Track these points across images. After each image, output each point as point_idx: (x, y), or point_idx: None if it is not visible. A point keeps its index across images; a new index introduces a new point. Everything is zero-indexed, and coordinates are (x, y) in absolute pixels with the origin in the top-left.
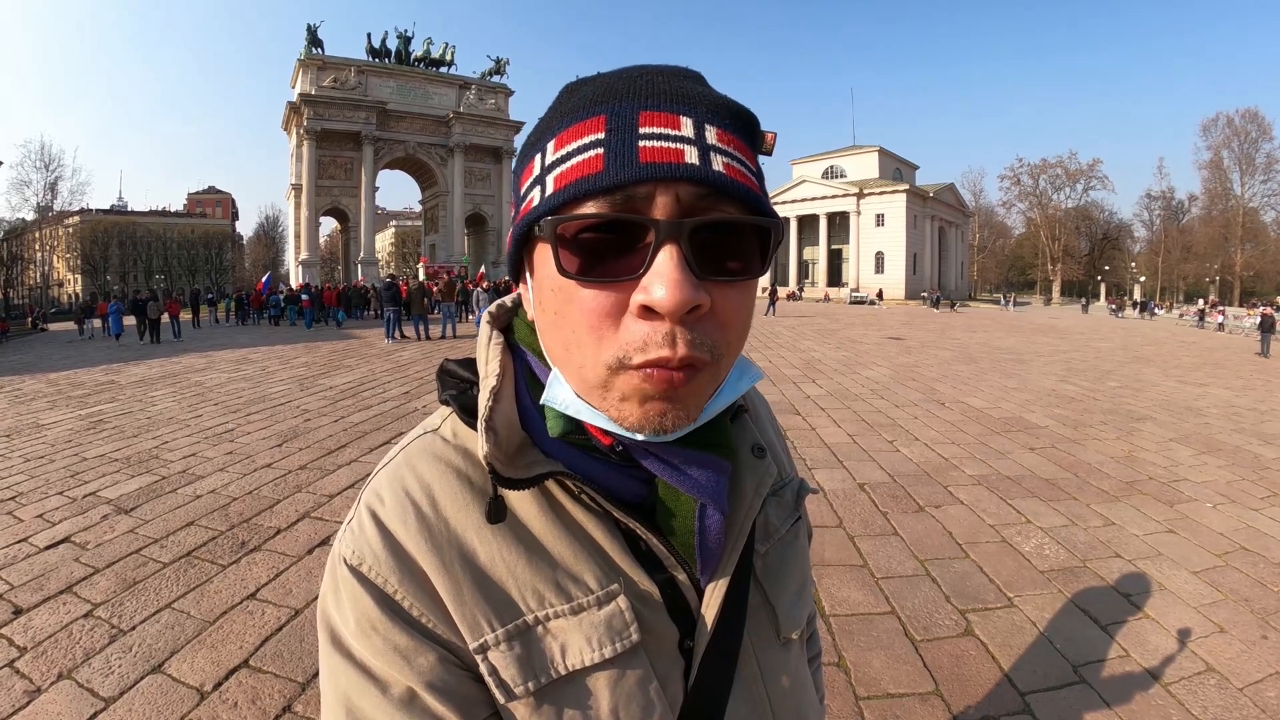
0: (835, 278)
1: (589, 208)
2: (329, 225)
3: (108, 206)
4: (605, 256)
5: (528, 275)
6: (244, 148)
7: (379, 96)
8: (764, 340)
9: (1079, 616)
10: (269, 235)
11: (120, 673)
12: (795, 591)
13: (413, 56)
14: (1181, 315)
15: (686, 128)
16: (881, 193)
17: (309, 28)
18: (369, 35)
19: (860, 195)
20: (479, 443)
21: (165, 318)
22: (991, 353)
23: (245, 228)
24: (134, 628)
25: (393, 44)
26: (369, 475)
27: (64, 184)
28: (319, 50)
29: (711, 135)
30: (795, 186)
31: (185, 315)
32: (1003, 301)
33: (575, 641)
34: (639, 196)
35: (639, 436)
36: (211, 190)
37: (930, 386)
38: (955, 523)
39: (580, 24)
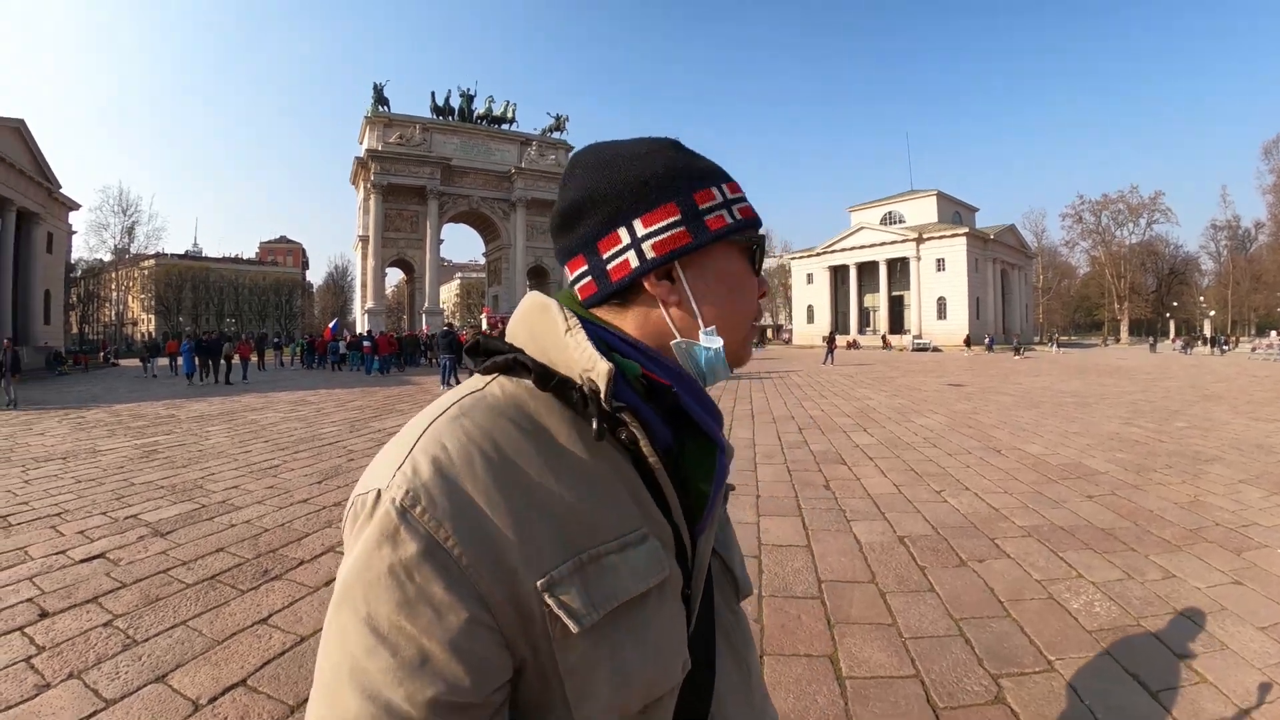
0: (897, 324)
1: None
2: (396, 275)
3: (183, 251)
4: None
5: (677, 264)
6: (315, 199)
7: (443, 152)
8: (819, 389)
9: (1127, 682)
10: (338, 284)
11: (125, 679)
12: (741, 561)
13: (475, 114)
14: (1254, 349)
15: (738, 190)
16: (941, 237)
17: (375, 87)
18: (433, 94)
19: (919, 240)
20: (599, 375)
21: (236, 359)
22: (1054, 397)
23: (315, 276)
24: (147, 639)
25: (456, 102)
26: (402, 436)
27: (140, 228)
28: (385, 108)
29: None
30: (854, 234)
31: (254, 358)
32: (1053, 346)
33: (625, 573)
34: (755, 235)
35: (729, 371)
36: (283, 239)
37: (987, 433)
38: (998, 578)
39: (634, 82)
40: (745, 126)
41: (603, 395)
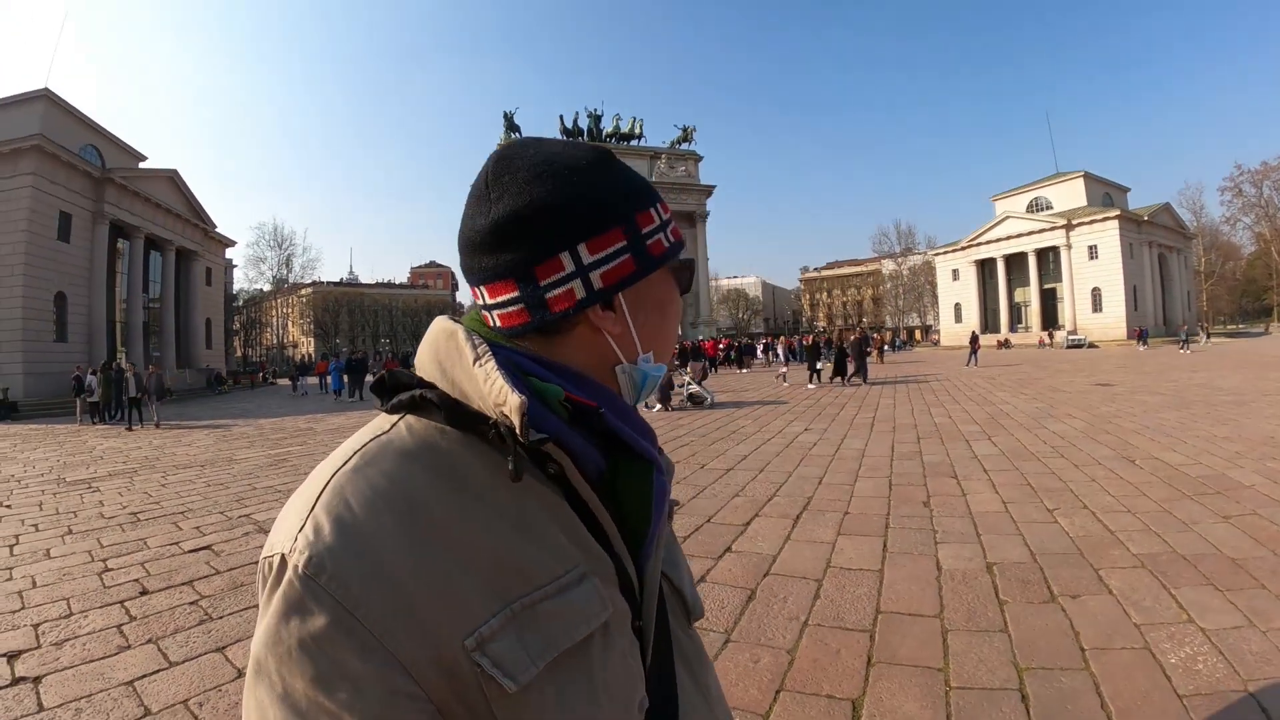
0: (1050, 319)
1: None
2: None
3: (338, 279)
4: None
5: (620, 293)
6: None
7: None
8: (954, 393)
9: None
10: None
11: (190, 647)
12: (690, 580)
13: (604, 133)
14: None
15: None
16: (1091, 221)
17: (506, 115)
18: (561, 117)
19: (1069, 227)
20: (511, 408)
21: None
22: (1209, 395)
23: (464, 297)
24: (221, 617)
25: (584, 123)
26: (304, 488)
27: (296, 259)
28: (517, 134)
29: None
30: (999, 224)
31: None
32: (1182, 339)
33: (565, 617)
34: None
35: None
36: (432, 264)
37: (1124, 440)
38: (1089, 619)
39: (768, 78)
40: (885, 127)
41: (517, 430)
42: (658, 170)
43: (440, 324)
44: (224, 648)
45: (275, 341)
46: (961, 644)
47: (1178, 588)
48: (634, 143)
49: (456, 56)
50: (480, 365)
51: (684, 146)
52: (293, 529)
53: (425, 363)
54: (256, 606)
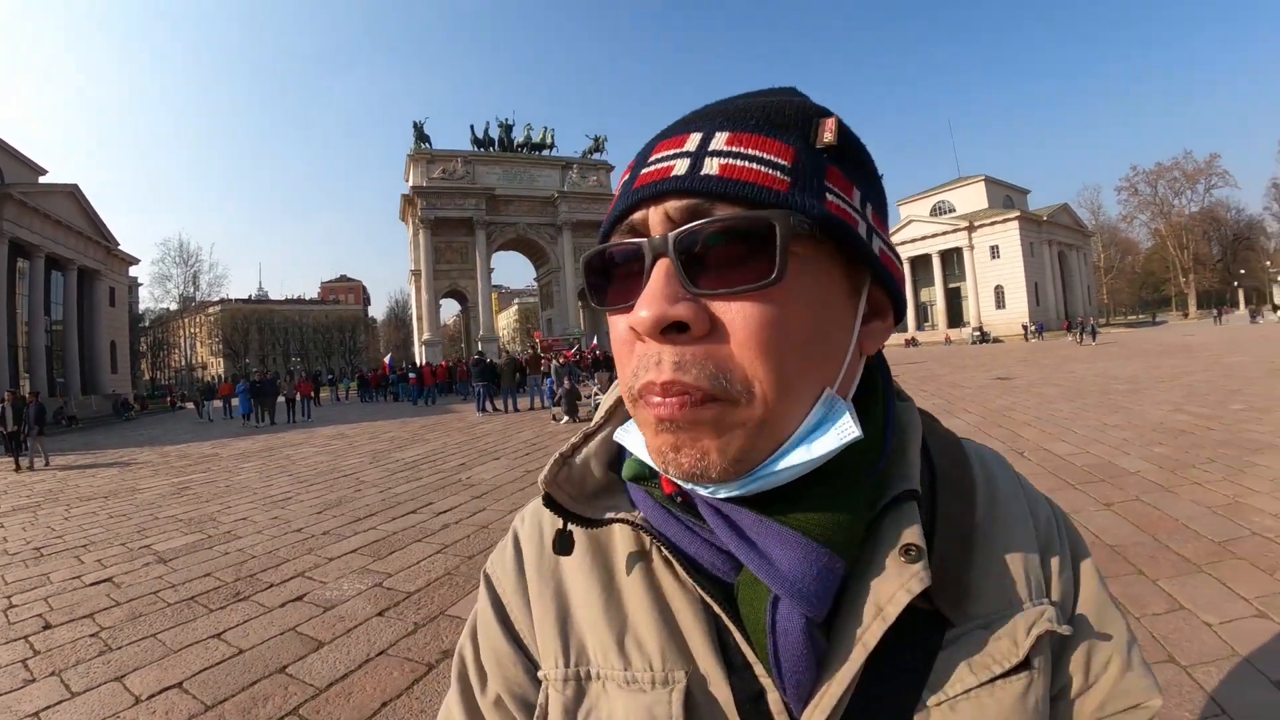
0: (956, 318)
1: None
2: (454, 306)
3: (247, 296)
4: (626, 287)
5: None
6: (374, 237)
7: (486, 183)
8: None
9: None
10: (399, 317)
11: (91, 677)
12: None
13: (515, 143)
14: None
15: (690, 142)
16: (992, 223)
17: (416, 125)
18: (472, 127)
19: (971, 228)
20: (548, 471)
21: (297, 396)
22: (1106, 384)
23: (377, 311)
24: (120, 648)
25: (495, 133)
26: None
27: (203, 277)
28: (427, 145)
29: (719, 140)
30: (904, 227)
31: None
32: (1076, 332)
33: (615, 710)
34: (638, 223)
35: (678, 480)
36: (343, 278)
37: (1015, 433)
38: None
39: (667, 87)
40: None
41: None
42: (569, 180)
43: None
44: (122, 676)
45: (183, 363)
46: None
47: None
48: (545, 153)
49: (364, 66)
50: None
51: (595, 157)
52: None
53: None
54: (153, 636)
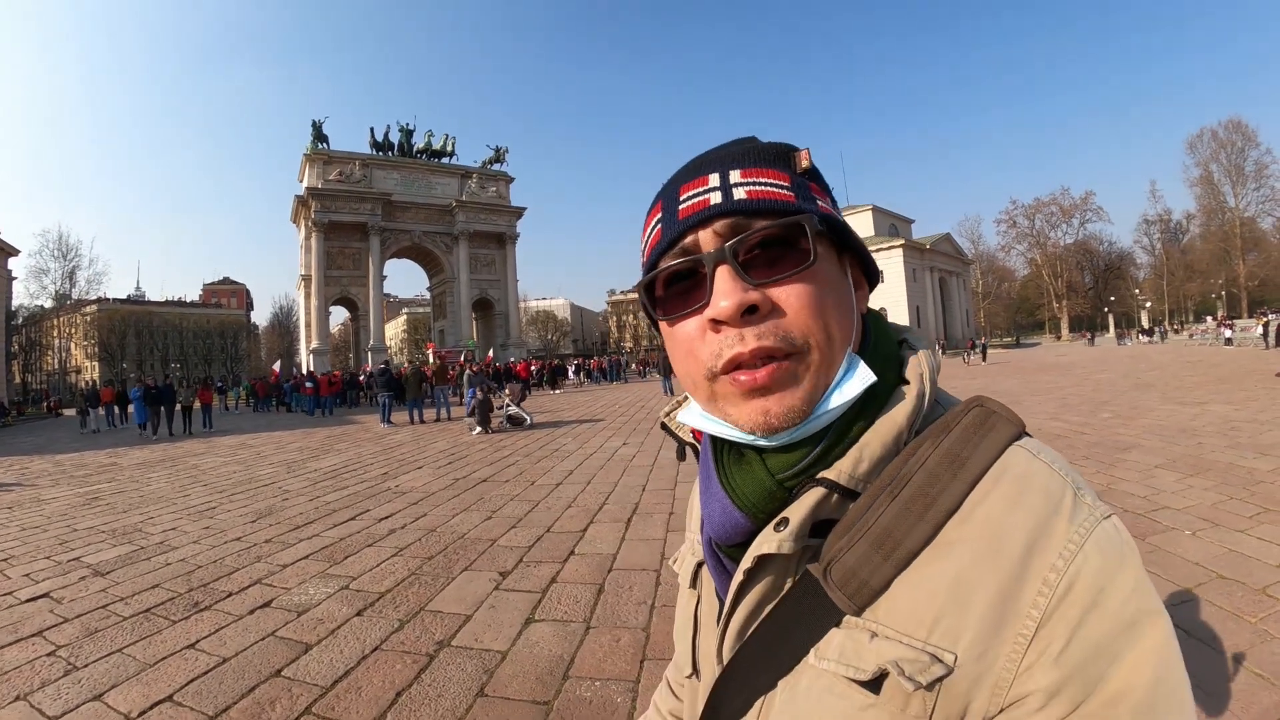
0: None
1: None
2: (342, 314)
3: (125, 296)
4: (687, 297)
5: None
6: (259, 240)
7: (383, 188)
8: None
9: None
10: (283, 324)
11: (66, 698)
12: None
13: (415, 148)
14: (1191, 335)
15: (712, 180)
16: (878, 250)
17: (314, 124)
18: (371, 130)
19: None
20: (664, 414)
21: (197, 404)
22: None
23: (260, 317)
24: (87, 665)
25: (395, 137)
26: None
27: (81, 273)
28: (324, 145)
29: (735, 175)
30: None
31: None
32: (965, 353)
33: (685, 559)
34: (690, 245)
35: (752, 437)
36: (226, 281)
37: None
38: None
39: (577, 108)
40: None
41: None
42: (468, 190)
43: None
44: (102, 694)
45: (57, 366)
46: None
47: None
48: (445, 160)
49: (261, 61)
50: None
51: (496, 167)
52: None
53: None
54: (120, 652)
